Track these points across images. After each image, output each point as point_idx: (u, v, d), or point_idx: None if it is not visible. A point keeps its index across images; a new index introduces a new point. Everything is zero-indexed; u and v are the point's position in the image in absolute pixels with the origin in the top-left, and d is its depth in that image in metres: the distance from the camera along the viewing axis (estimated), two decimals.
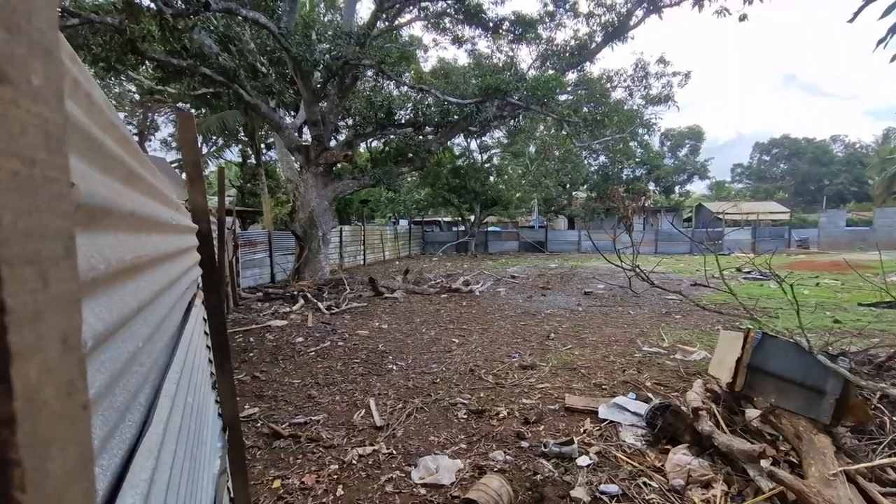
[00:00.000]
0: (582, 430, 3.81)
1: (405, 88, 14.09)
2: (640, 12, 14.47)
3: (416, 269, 16.28)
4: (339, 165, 13.51)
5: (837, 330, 6.98)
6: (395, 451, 3.52)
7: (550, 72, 14.44)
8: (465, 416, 4.14)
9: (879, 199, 34.45)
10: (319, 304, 9.42)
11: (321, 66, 10.79)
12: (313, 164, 12.48)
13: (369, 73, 13.72)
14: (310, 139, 12.69)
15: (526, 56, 40.44)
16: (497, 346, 6.49)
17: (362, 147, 17.53)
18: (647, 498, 2.85)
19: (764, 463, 2.92)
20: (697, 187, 56.33)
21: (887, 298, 7.88)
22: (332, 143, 13.57)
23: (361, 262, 20.80)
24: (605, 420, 3.94)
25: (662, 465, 3.18)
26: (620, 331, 7.40)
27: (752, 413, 3.65)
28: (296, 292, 10.52)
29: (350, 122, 14.87)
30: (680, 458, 3.11)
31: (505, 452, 3.47)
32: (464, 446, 3.61)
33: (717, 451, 3.21)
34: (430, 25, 15.34)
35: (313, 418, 4.11)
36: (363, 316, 8.80)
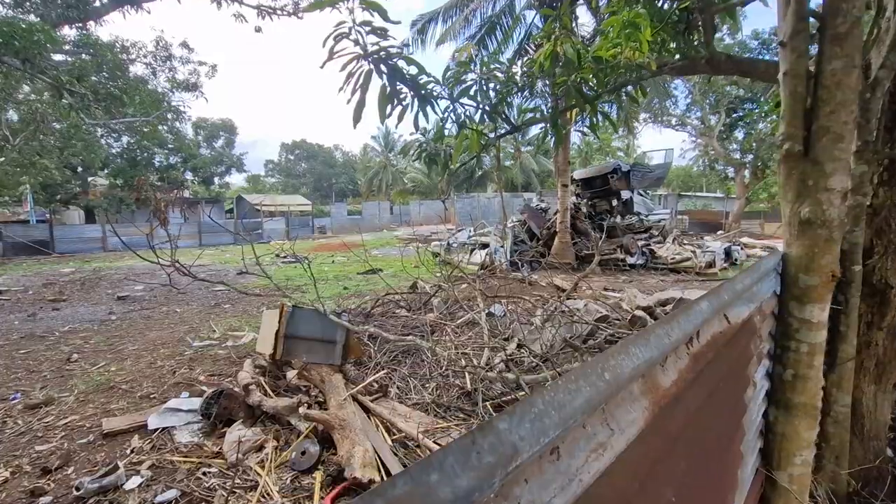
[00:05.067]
0: (129, 451, 3.41)
1: None
2: None
3: None
4: None
5: (346, 295, 9.26)
6: None
7: (34, 18, 11.01)
8: None
9: (365, 195, 47.45)
10: None
11: None
12: None
13: None
14: None
15: None
16: None
17: None
18: (207, 485, 2.95)
19: (301, 410, 3.63)
20: (237, 179, 58.35)
21: (370, 268, 11.16)
22: None
23: None
24: (156, 430, 3.68)
25: (221, 449, 3.35)
26: (168, 332, 6.90)
27: (291, 374, 4.39)
28: None
29: None
30: (234, 434, 3.37)
31: None
32: None
33: (268, 416, 3.70)
34: None
35: None
36: None
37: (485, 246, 13.60)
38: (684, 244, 14.61)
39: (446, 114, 3.81)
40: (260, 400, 3.74)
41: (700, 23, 3.20)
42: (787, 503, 1.77)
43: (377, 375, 4.34)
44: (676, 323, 0.77)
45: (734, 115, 24.90)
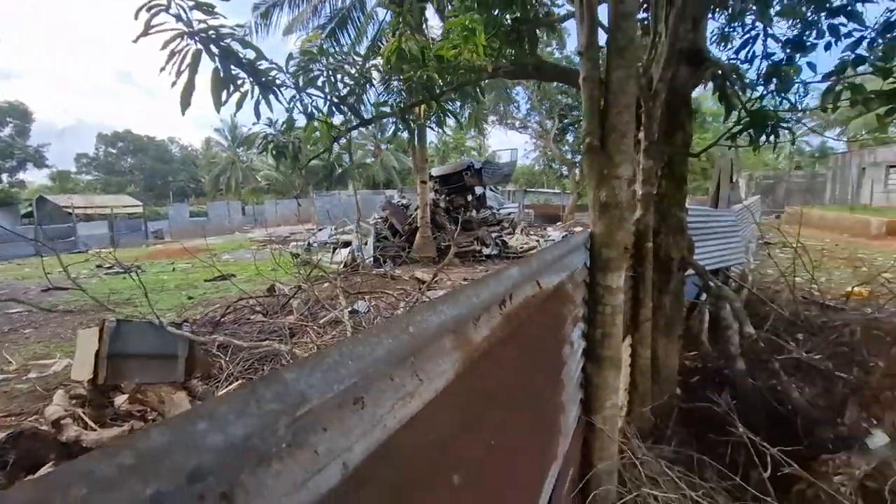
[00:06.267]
0: None
1: None
2: None
3: None
4: None
5: (190, 304, 8.25)
6: None
7: None
8: None
9: (211, 195, 42.62)
10: None
11: None
12: None
13: None
14: None
15: None
16: None
17: None
18: None
19: None
20: (36, 177, 47.54)
21: (219, 274, 10.12)
22: None
23: None
24: None
25: None
26: None
27: (121, 399, 3.77)
28: None
29: None
30: None
31: None
32: None
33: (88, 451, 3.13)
34: None
35: None
36: None
37: (347, 244, 13.36)
38: (530, 234, 16.29)
39: (292, 104, 3.64)
40: (78, 434, 3.15)
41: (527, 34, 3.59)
42: (602, 441, 2.12)
43: (230, 388, 3.98)
44: (485, 285, 0.87)
45: (565, 121, 28.47)
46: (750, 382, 3.48)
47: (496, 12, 3.91)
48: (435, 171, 16.70)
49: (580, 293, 1.99)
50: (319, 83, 3.66)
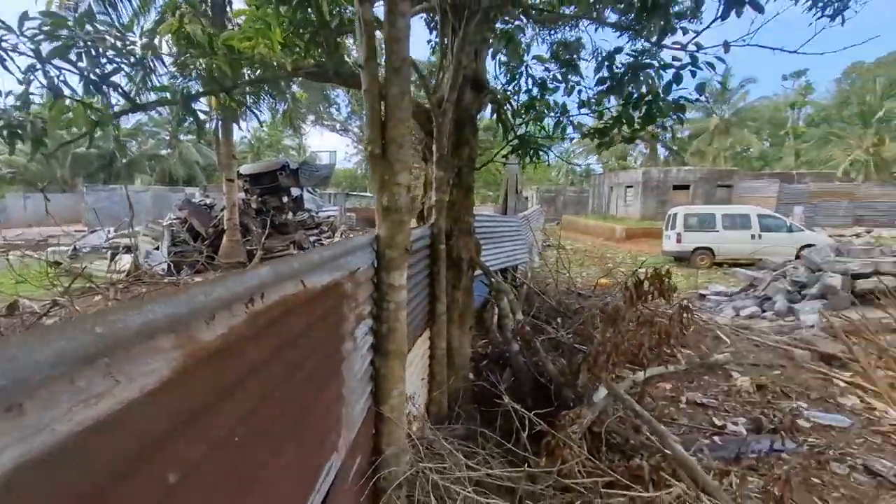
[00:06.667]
0: None
1: None
2: None
3: None
4: None
5: None
6: None
7: None
8: None
9: None
10: None
11: None
12: None
13: None
14: None
15: None
16: None
17: None
18: None
19: None
20: None
21: None
22: None
23: None
24: None
25: None
26: None
27: None
28: None
29: None
30: None
31: None
32: None
33: None
34: None
35: None
36: None
37: (131, 249, 11.27)
38: (351, 237, 16.30)
39: (30, 76, 2.95)
40: None
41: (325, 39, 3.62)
42: (389, 428, 2.29)
43: None
44: (222, 285, 0.88)
45: None
46: (521, 360, 4.17)
47: (288, 10, 3.83)
48: (244, 169, 15.34)
49: (365, 291, 2.12)
50: (73, 56, 3.04)
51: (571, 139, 3.61)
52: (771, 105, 42.11)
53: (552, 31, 6.27)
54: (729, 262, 13.56)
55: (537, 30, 6.27)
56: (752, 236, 13.71)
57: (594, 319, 3.79)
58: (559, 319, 5.26)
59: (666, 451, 2.66)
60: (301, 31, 3.63)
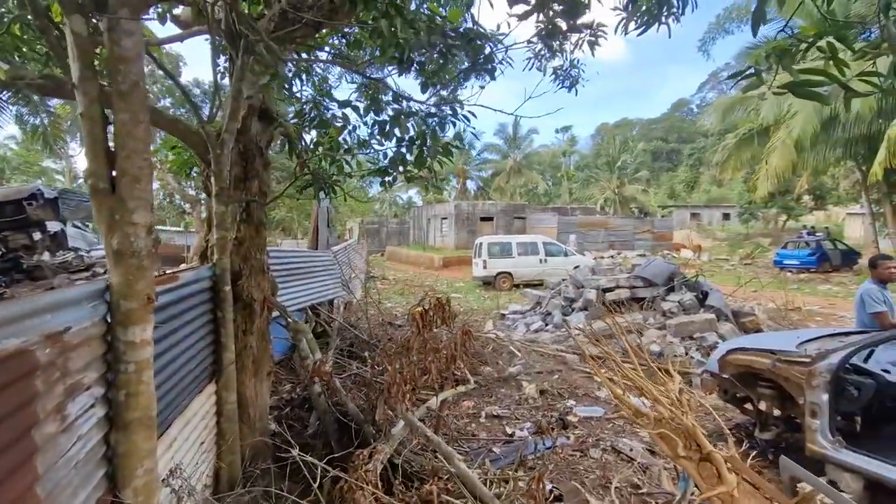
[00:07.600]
0: None
1: None
2: None
3: None
4: None
5: None
6: None
7: None
8: None
9: None
10: None
11: None
12: None
13: None
14: None
15: None
16: None
17: None
18: None
19: None
20: None
21: None
22: None
23: None
24: None
25: None
26: None
27: None
28: None
29: None
30: None
31: None
32: None
33: None
34: None
35: None
36: None
37: None
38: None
39: None
40: None
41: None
42: None
43: None
44: None
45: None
46: (324, 402, 3.99)
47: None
48: None
49: (87, 354, 1.73)
50: None
51: (361, 176, 3.73)
52: (549, 152, 51.51)
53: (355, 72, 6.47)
54: (523, 283, 15.70)
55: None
56: (540, 261, 16.21)
57: (388, 351, 3.87)
58: (367, 353, 5.25)
59: (452, 469, 2.81)
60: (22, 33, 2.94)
